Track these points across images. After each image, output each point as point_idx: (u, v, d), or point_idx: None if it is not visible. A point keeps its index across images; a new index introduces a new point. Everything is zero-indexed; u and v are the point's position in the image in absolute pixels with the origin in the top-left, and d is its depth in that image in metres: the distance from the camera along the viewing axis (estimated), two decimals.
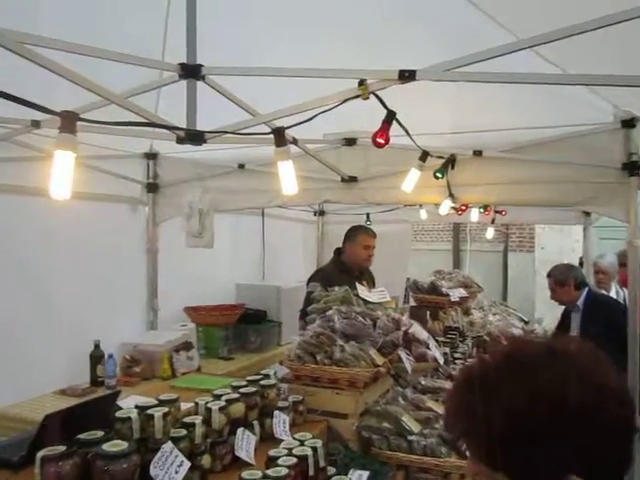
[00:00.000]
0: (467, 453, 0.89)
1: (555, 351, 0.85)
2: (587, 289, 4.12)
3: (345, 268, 3.86)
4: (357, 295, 3.04)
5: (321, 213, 6.34)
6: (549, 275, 4.26)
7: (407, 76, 1.91)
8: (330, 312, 2.66)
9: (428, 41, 2.20)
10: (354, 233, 3.93)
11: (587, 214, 5.43)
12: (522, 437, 0.80)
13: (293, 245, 6.15)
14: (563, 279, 4.12)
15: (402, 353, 2.64)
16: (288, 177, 2.29)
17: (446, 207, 3.62)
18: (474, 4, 1.96)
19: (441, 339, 3.70)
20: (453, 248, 10.98)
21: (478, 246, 10.46)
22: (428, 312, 4.35)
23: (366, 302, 3.01)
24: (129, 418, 1.76)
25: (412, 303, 5.03)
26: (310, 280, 3.82)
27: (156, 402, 1.92)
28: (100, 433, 1.72)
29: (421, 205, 5.35)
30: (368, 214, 5.82)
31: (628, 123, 2.87)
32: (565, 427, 0.79)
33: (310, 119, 2.11)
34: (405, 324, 2.85)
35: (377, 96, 2.06)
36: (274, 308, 4.72)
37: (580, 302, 4.05)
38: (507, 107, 2.74)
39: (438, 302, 4.71)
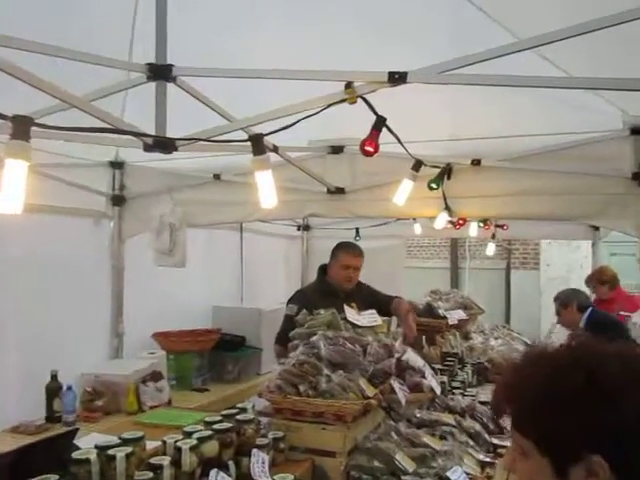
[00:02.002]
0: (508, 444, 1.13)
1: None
2: (590, 310, 4.28)
3: (330, 289, 3.84)
4: (345, 319, 3.02)
5: (306, 228, 6.37)
6: (555, 299, 4.43)
7: (397, 78, 1.93)
8: (315, 338, 2.64)
9: (421, 41, 2.23)
10: (334, 251, 3.92)
11: (596, 228, 5.52)
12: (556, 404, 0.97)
13: (275, 263, 6.16)
14: (566, 300, 4.30)
15: (395, 383, 2.62)
16: (267, 188, 2.29)
17: (442, 221, 3.64)
18: (471, 2, 1.99)
19: (438, 366, 3.68)
20: (451, 266, 11.05)
21: (478, 264, 10.53)
22: (424, 337, 4.34)
23: (355, 326, 2.99)
24: (87, 460, 1.73)
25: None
26: (288, 302, 3.81)
27: (119, 441, 1.89)
28: (54, 477, 1.68)
29: (415, 219, 5.43)
30: (357, 229, 5.87)
31: (638, 130, 2.92)
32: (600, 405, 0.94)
33: (292, 125, 2.12)
34: (398, 350, 2.84)
35: (365, 100, 2.08)
36: (254, 333, 4.70)
37: (582, 324, 4.21)
38: (507, 113, 2.77)
39: (435, 325, 4.71)
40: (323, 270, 3.97)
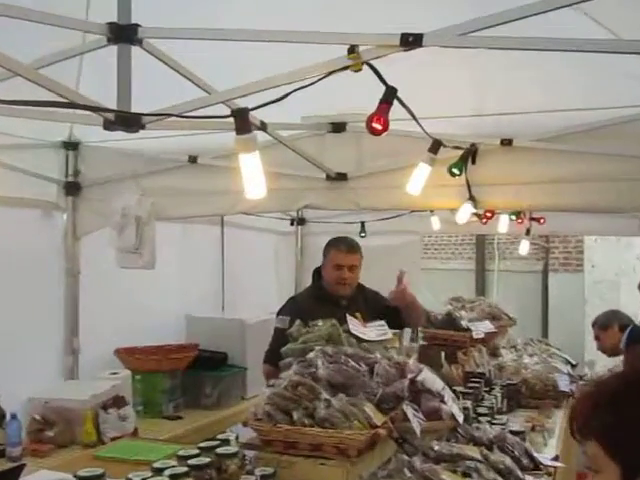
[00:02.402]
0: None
1: None
2: (630, 328, 4.40)
3: (328, 295, 3.86)
4: (348, 331, 3.04)
5: (300, 222, 6.39)
6: (594, 324, 4.56)
7: (412, 41, 1.93)
8: (311, 355, 2.65)
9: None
10: (325, 249, 3.94)
11: None
12: None
13: (263, 265, 6.19)
14: (606, 322, 4.43)
15: (408, 409, 2.64)
16: (253, 174, 2.30)
17: (466, 214, 3.66)
18: None
19: (461, 389, 3.70)
20: (476, 268, 11.07)
21: (509, 265, 10.56)
22: (443, 353, 4.38)
23: (360, 340, 3.01)
24: None
25: (422, 341, 5.06)
26: (278, 313, 3.82)
27: (73, 479, 1.90)
28: None
29: (433, 211, 5.46)
30: (363, 223, 5.90)
31: None
32: None
33: (284, 97, 2.12)
34: (412, 370, 2.85)
35: (373, 67, 2.08)
36: (237, 349, 4.72)
37: (623, 344, 4.32)
38: (543, 83, 2.79)
39: (456, 339, 4.75)
40: (319, 274, 3.98)
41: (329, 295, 3.85)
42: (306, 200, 3.83)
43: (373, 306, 4.02)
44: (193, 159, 3.90)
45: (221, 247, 5.46)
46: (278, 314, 3.80)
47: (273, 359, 3.47)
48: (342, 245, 3.85)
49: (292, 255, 6.54)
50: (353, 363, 2.67)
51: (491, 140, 3.38)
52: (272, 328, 3.83)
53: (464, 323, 4.90)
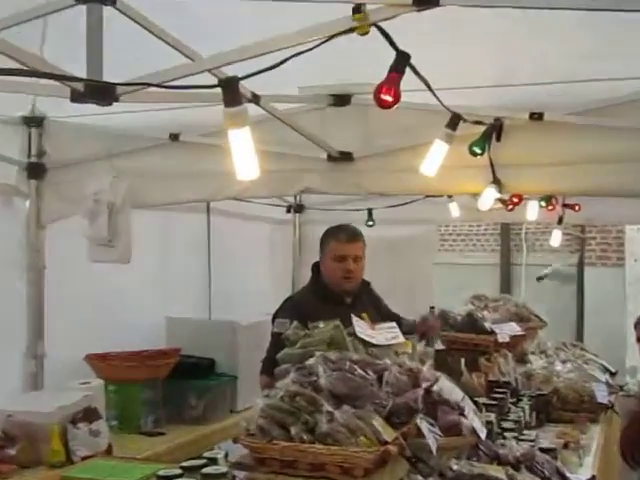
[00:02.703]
0: None
1: None
2: None
3: (330, 293, 3.89)
4: (353, 334, 3.05)
5: (298, 209, 6.42)
6: (636, 325, 4.63)
7: (426, 0, 1.93)
8: (312, 361, 2.66)
9: None
10: (322, 240, 3.97)
11: None
12: None
13: (256, 258, 6.20)
14: None
15: (423, 423, 2.64)
16: (244, 153, 2.31)
17: (489, 199, 3.66)
18: None
19: (483, 400, 3.72)
20: (501, 262, 11.09)
21: (539, 258, 10.57)
22: (463, 359, 4.37)
23: (367, 345, 3.03)
24: None
25: (439, 346, 5.07)
26: (276, 315, 3.84)
27: None
28: None
29: (451, 197, 5.47)
30: (370, 210, 5.92)
31: None
32: None
33: (279, 65, 2.13)
34: (427, 378, 2.86)
35: (382, 30, 2.08)
36: (226, 355, 4.74)
37: None
38: (579, 46, 2.77)
39: (478, 344, 4.74)
40: (318, 269, 4.02)
41: (331, 292, 3.88)
42: (305, 183, 3.83)
43: (378, 307, 4.11)
44: (175, 137, 3.90)
45: (207, 238, 5.46)
46: (275, 317, 3.82)
47: (271, 369, 3.48)
48: (341, 234, 3.89)
49: (289, 247, 6.57)
50: (359, 371, 2.67)
51: (518, 114, 3.38)
52: (266, 331, 3.86)
53: (487, 325, 4.89)
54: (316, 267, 4.03)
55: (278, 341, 3.53)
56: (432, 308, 4.87)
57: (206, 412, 4.52)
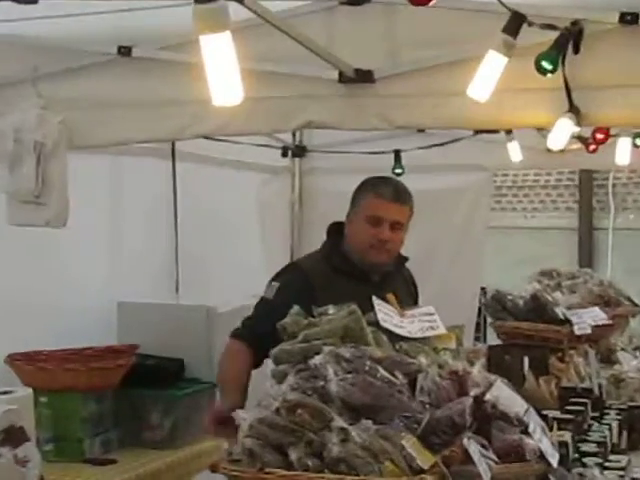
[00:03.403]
0: None
1: None
2: None
3: (350, 265, 3.94)
4: (375, 324, 3.09)
5: (298, 152, 6.45)
6: None
7: None
8: (318, 359, 2.69)
9: None
10: (357, 193, 4.01)
11: None
12: None
13: (240, 221, 6.25)
14: None
15: (472, 444, 2.65)
16: (222, 69, 2.30)
17: (563, 135, 3.64)
18: None
19: (554, 414, 3.73)
20: (580, 225, 11.05)
21: (632, 221, 10.53)
22: (527, 358, 4.39)
23: (395, 338, 3.07)
24: None
25: (493, 340, 5.09)
26: (273, 279, 3.95)
27: None
28: None
29: (510, 133, 5.49)
30: (398, 153, 5.93)
31: None
32: None
33: None
34: (478, 384, 2.88)
35: None
36: (200, 354, 4.78)
37: None
38: None
39: (548, 337, 4.77)
40: (337, 231, 4.06)
41: (352, 265, 3.95)
42: (307, 115, 3.80)
43: (412, 292, 4.21)
44: (126, 50, 3.86)
45: (173, 194, 5.49)
46: (271, 282, 3.94)
47: (246, 334, 3.76)
48: (385, 189, 3.95)
49: (286, 206, 6.61)
50: (383, 372, 2.70)
51: (605, 15, 3.35)
52: None
53: (560, 311, 4.90)
54: (336, 228, 4.09)
55: (264, 307, 3.73)
56: (483, 290, 4.86)
57: (174, 433, 4.57)
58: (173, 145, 5.32)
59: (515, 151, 5.73)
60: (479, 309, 6.48)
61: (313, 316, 3.12)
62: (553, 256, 7.46)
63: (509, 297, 5.06)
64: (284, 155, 6.41)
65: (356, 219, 3.95)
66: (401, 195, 3.94)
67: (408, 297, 3.95)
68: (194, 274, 5.55)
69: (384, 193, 3.90)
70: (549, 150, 3.99)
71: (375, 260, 3.90)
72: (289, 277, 3.89)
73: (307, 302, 3.24)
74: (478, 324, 6.41)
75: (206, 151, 5.42)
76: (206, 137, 4.39)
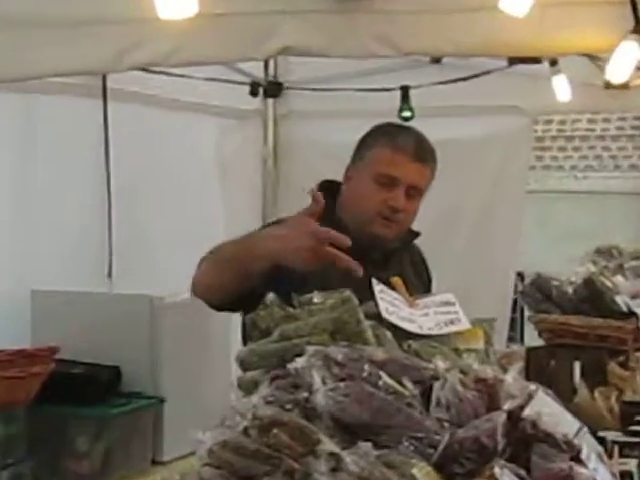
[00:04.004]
0: None
1: None
2: None
3: (348, 238, 3.87)
4: (377, 316, 3.09)
5: (273, 90, 6.48)
6: None
7: None
8: (300, 362, 2.64)
9: None
10: (363, 142, 3.98)
11: None
12: None
13: (194, 183, 6.32)
14: None
15: (505, 474, 2.65)
16: None
17: (626, 64, 3.63)
18: None
19: (615, 436, 3.74)
20: None
21: None
22: (578, 364, 4.40)
23: (403, 335, 3.06)
24: None
25: (532, 341, 5.10)
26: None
27: None
28: None
29: (556, 63, 5.52)
30: (406, 90, 5.98)
31: None
32: None
33: None
34: (514, 395, 2.87)
35: None
36: (140, 360, 4.81)
37: None
38: None
39: (606, 336, 4.77)
40: (328, 193, 3.90)
41: (353, 238, 3.88)
42: (284, 38, 3.80)
43: (422, 276, 4.23)
44: None
45: (104, 147, 5.48)
46: None
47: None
48: (406, 141, 3.93)
49: (255, 162, 6.66)
50: (387, 380, 2.67)
51: None
52: (214, 314, 3.88)
53: (622, 301, 4.91)
54: (327, 188, 4.01)
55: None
56: (520, 274, 4.84)
57: (106, 463, 4.58)
58: (104, 80, 5.30)
59: (562, 88, 5.73)
60: (514, 300, 6.53)
61: (293, 306, 3.09)
62: (613, 229, 7.45)
63: (554, 283, 5.06)
64: (253, 94, 6.40)
65: (360, 177, 3.93)
66: (425, 151, 3.93)
67: (418, 282, 3.97)
68: (133, 253, 5.57)
69: (404, 146, 3.88)
70: (608, 86, 3.96)
71: (379, 233, 3.88)
72: None
73: (292, 282, 3.24)
74: (513, 319, 6.41)
75: (148, 88, 5.44)
76: (148, 69, 4.36)
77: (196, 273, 3.72)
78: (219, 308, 3.71)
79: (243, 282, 3.38)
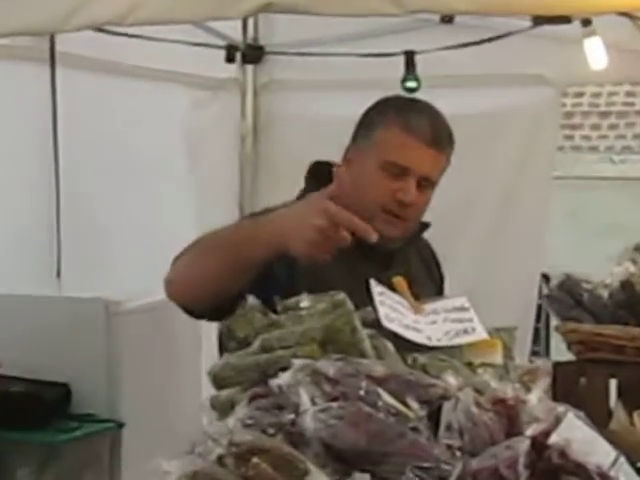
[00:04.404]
0: None
1: None
2: None
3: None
4: (376, 324, 3.09)
5: (253, 55, 6.50)
6: None
7: None
8: (285, 378, 2.66)
9: None
10: (368, 118, 4.00)
11: None
12: None
13: (159, 162, 6.34)
14: None
15: None
16: None
17: None
18: None
19: None
20: None
21: None
22: (614, 381, 4.43)
23: (408, 346, 3.07)
24: None
25: (560, 354, 5.13)
26: None
27: None
28: None
29: (589, 23, 5.51)
30: (411, 55, 5.99)
31: None
32: None
33: None
34: (538, 418, 2.90)
35: None
36: (95, 376, 4.82)
37: None
38: None
39: None
40: (320, 177, 3.95)
41: (350, 234, 3.89)
42: None
43: (433, 275, 4.26)
44: None
45: (52, 120, 5.49)
46: None
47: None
48: (419, 123, 3.93)
49: (231, 138, 6.67)
50: (389, 399, 2.70)
51: None
52: (184, 319, 3.90)
53: None
54: (320, 171, 4.05)
55: None
56: (545, 276, 4.86)
57: None
58: (52, 42, 5.31)
59: (596, 54, 5.73)
60: (538, 306, 6.53)
61: (277, 312, 3.10)
62: None
63: (586, 286, 5.07)
64: (230, 60, 6.39)
65: (363, 161, 3.92)
66: (443, 135, 3.95)
67: (429, 282, 3.99)
68: (86, 249, 5.56)
69: (418, 128, 3.88)
70: None
71: (382, 231, 3.73)
72: None
73: (283, 281, 3.33)
74: (537, 330, 6.41)
75: (104, 53, 5.43)
76: (104, 29, 4.38)
77: (170, 271, 3.66)
78: (199, 314, 3.68)
79: (237, 277, 3.34)
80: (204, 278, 3.42)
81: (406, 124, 3.87)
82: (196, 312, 3.63)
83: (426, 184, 3.90)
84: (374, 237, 3.18)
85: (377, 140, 3.90)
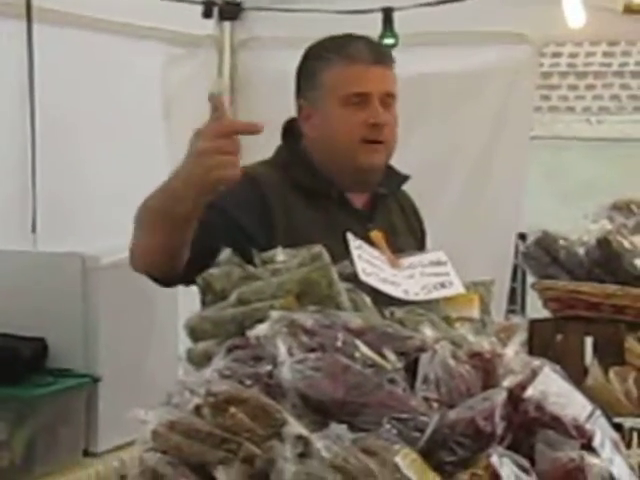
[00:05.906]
0: None
1: None
2: None
3: (317, 181, 3.94)
4: (354, 277, 3.09)
5: (230, 12, 6.51)
6: None
7: None
8: (263, 330, 2.67)
9: None
10: (308, 67, 4.01)
11: None
12: None
13: (135, 120, 6.31)
14: None
15: (505, 464, 2.66)
16: None
17: None
18: None
19: (633, 423, 3.77)
20: None
21: None
22: (590, 339, 4.43)
23: (385, 299, 3.07)
24: None
25: (536, 312, 5.13)
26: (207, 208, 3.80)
27: None
28: None
29: None
30: (389, 13, 6.00)
31: None
32: None
33: None
34: (515, 371, 2.89)
35: None
36: (71, 331, 4.82)
37: None
38: None
39: (623, 306, 4.79)
40: (294, 132, 4.09)
41: (324, 181, 3.96)
42: None
43: (413, 228, 4.24)
44: None
45: (28, 77, 5.46)
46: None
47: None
48: (355, 49, 3.93)
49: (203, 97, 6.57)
50: (366, 351, 2.69)
51: None
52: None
53: None
54: (290, 127, 4.10)
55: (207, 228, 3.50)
56: (522, 237, 4.87)
57: (30, 454, 4.60)
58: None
59: (575, 11, 5.73)
60: (514, 266, 6.45)
61: (254, 264, 3.10)
62: (632, 182, 7.48)
63: (562, 243, 5.07)
64: (207, 16, 6.40)
65: (324, 109, 3.94)
66: (381, 52, 4.00)
67: (410, 236, 3.99)
68: (62, 203, 5.55)
69: (358, 54, 3.90)
70: (629, 10, 3.96)
71: (369, 162, 3.91)
72: (237, 186, 3.55)
73: (263, 232, 3.34)
74: (514, 289, 6.41)
75: (81, 8, 5.39)
76: None
77: (131, 240, 3.62)
78: (167, 283, 3.70)
79: (176, 238, 3.35)
80: (153, 249, 3.44)
81: (346, 55, 3.91)
82: (163, 281, 3.65)
83: (389, 100, 3.94)
84: (260, 127, 3.26)
85: (326, 83, 3.93)
